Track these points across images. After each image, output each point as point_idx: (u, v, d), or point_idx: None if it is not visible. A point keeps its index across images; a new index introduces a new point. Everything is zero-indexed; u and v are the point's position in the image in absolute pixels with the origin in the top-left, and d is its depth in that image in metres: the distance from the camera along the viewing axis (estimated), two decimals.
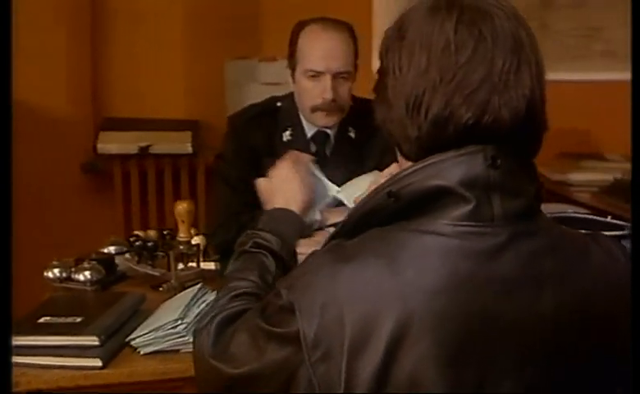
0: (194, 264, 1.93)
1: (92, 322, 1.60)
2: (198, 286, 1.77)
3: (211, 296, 1.71)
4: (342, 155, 2.41)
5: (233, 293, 1.28)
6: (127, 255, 2.02)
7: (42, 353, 1.53)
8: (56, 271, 1.96)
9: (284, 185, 1.60)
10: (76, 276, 1.93)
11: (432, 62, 1.03)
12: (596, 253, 1.08)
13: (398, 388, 0.98)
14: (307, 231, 1.63)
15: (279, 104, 2.45)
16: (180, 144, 3.22)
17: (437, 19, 1.04)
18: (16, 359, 1.52)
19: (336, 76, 2.29)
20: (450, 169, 1.02)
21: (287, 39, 2.89)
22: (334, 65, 2.29)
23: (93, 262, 1.96)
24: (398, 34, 1.08)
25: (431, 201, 1.03)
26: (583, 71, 3.86)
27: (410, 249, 1.02)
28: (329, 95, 2.28)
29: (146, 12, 3.36)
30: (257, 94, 3.45)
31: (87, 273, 1.93)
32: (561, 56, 3.92)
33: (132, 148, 3.18)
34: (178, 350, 1.58)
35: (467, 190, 1.01)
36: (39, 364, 1.52)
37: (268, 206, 1.59)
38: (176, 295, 1.81)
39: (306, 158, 1.75)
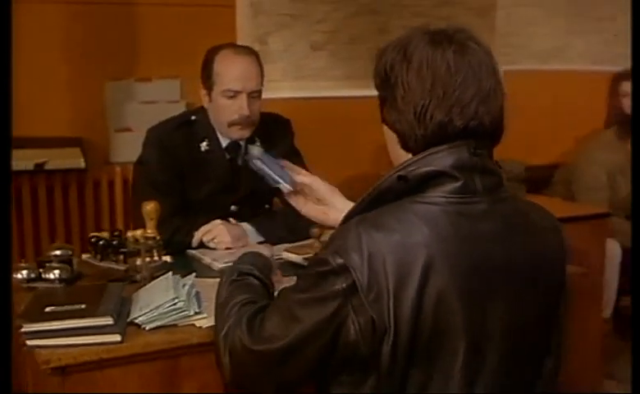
0: (156, 258, 2.19)
1: (96, 307, 1.83)
2: (170, 273, 2.04)
3: (188, 280, 2.00)
4: None
5: (241, 303, 1.59)
6: (86, 255, 2.25)
7: (64, 335, 1.73)
8: (24, 272, 2.14)
9: None
10: (46, 275, 2.13)
11: (437, 81, 1.41)
12: (539, 212, 1.54)
13: (428, 311, 1.34)
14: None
15: (193, 118, 2.75)
16: (73, 159, 3.39)
17: (439, 49, 1.43)
18: (41, 342, 1.73)
19: (250, 95, 2.63)
20: (444, 158, 1.41)
21: (160, 61, 3.19)
22: (249, 85, 2.63)
23: (61, 262, 2.18)
24: (403, 57, 1.45)
25: (430, 181, 1.42)
26: None
27: (420, 214, 1.39)
28: (245, 112, 2.62)
29: (30, 36, 3.49)
30: (135, 113, 3.73)
31: (56, 272, 2.13)
32: None
33: (28, 165, 3.31)
34: (176, 324, 1.85)
35: (457, 172, 1.41)
36: (64, 345, 1.72)
37: None
38: (146, 284, 2.07)
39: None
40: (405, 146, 1.48)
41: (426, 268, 1.35)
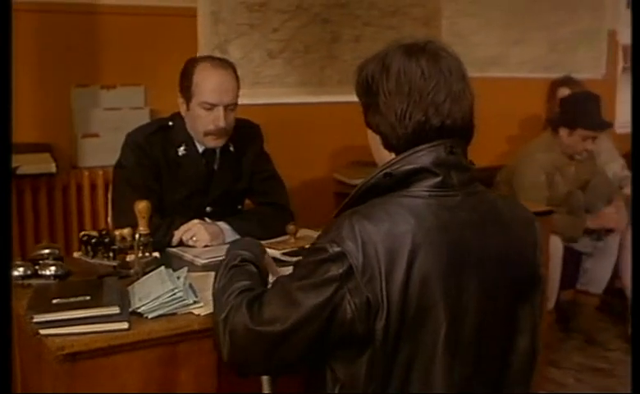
0: (147, 254, 2.33)
1: (101, 298, 1.96)
2: (162, 267, 2.18)
3: (181, 273, 2.15)
4: (226, 165, 2.92)
5: (240, 288, 1.73)
6: (78, 253, 2.39)
7: (74, 324, 1.85)
8: (20, 269, 2.24)
9: None
10: (42, 271, 2.25)
11: (413, 87, 1.60)
12: (510, 206, 1.73)
13: (414, 290, 1.52)
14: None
15: (170, 123, 2.86)
16: (45, 164, 3.48)
17: (413, 59, 1.61)
18: (53, 331, 1.85)
19: (226, 107, 2.75)
20: (425, 156, 1.60)
21: (124, 68, 3.27)
22: (225, 98, 2.75)
23: (55, 260, 2.31)
24: (382, 67, 1.63)
25: (413, 177, 1.60)
26: None
27: (406, 206, 1.57)
28: (221, 124, 2.75)
29: None
30: (100, 119, 3.83)
31: (52, 268, 2.25)
32: (348, 81, 4.67)
33: None
34: (176, 313, 2.00)
35: (436, 169, 1.60)
36: (75, 333, 1.84)
37: None
38: (139, 278, 2.21)
39: None
40: (389, 146, 1.66)
41: (412, 253, 1.53)
